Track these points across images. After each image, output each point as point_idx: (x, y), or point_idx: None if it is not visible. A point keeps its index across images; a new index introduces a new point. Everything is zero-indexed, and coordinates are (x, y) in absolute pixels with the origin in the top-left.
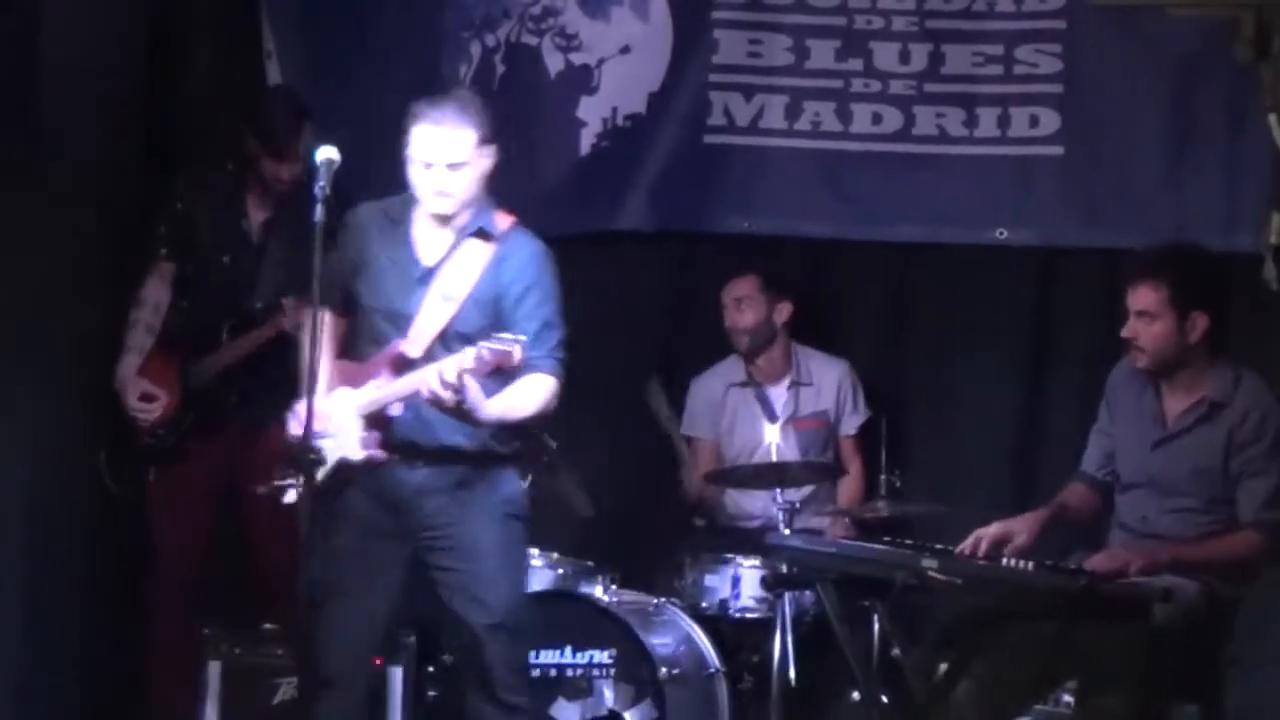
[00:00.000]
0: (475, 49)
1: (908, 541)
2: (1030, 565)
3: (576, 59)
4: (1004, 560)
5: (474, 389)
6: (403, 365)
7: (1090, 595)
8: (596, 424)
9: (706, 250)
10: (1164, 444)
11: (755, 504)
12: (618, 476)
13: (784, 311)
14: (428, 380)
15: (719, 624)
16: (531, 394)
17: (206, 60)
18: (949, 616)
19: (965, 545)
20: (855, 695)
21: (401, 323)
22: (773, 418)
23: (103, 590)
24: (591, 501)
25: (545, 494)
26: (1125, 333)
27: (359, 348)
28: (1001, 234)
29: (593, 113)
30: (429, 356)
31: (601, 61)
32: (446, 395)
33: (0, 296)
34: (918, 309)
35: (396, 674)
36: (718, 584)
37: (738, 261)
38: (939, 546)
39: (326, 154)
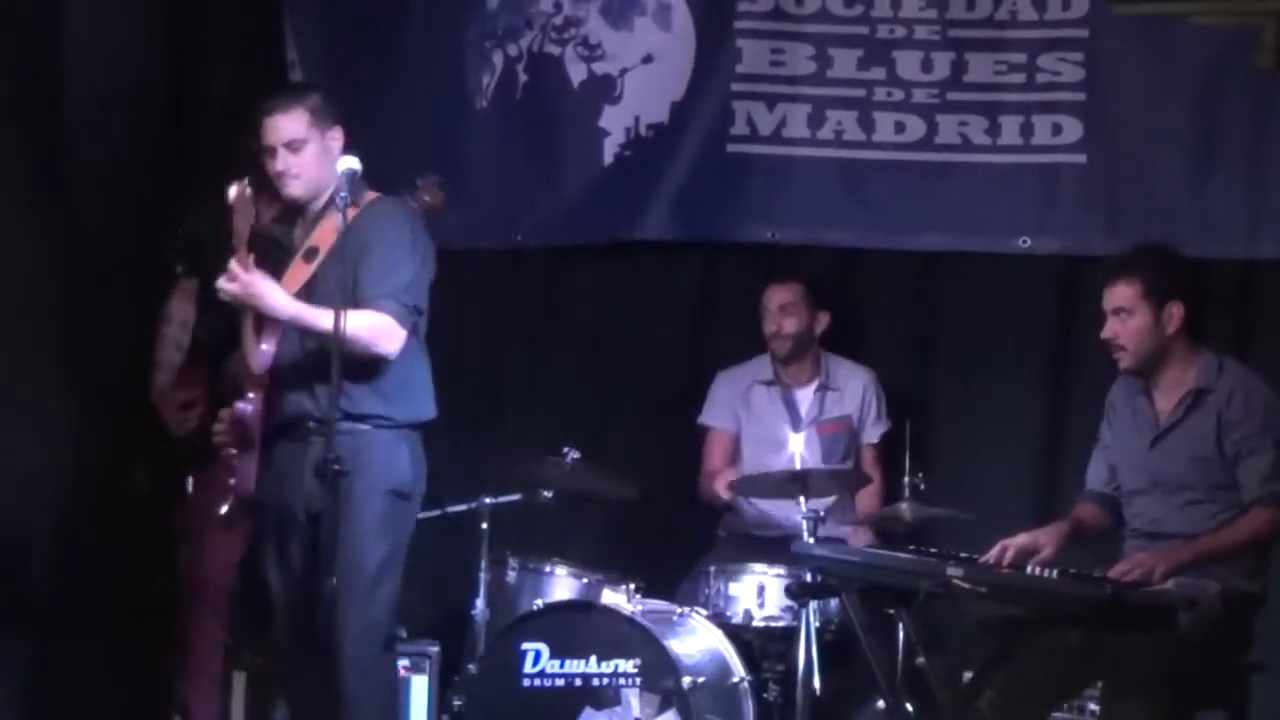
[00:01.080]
0: (498, 59)
1: (932, 550)
2: (1054, 574)
3: (599, 68)
4: (1028, 569)
5: (258, 278)
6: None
7: (1115, 604)
8: (620, 432)
9: (729, 258)
10: (1160, 440)
11: (777, 511)
12: (641, 483)
13: (823, 321)
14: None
15: (743, 633)
16: (343, 317)
17: (228, 70)
18: (973, 625)
19: (991, 555)
20: (880, 704)
21: None
22: (796, 424)
23: (134, 605)
24: (635, 483)
25: (581, 489)
26: (1104, 334)
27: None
28: (1025, 242)
29: (616, 122)
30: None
31: (624, 71)
32: (233, 287)
33: (22, 302)
34: (941, 317)
35: (421, 683)
36: (742, 593)
37: (765, 270)
38: (963, 555)
39: (348, 164)
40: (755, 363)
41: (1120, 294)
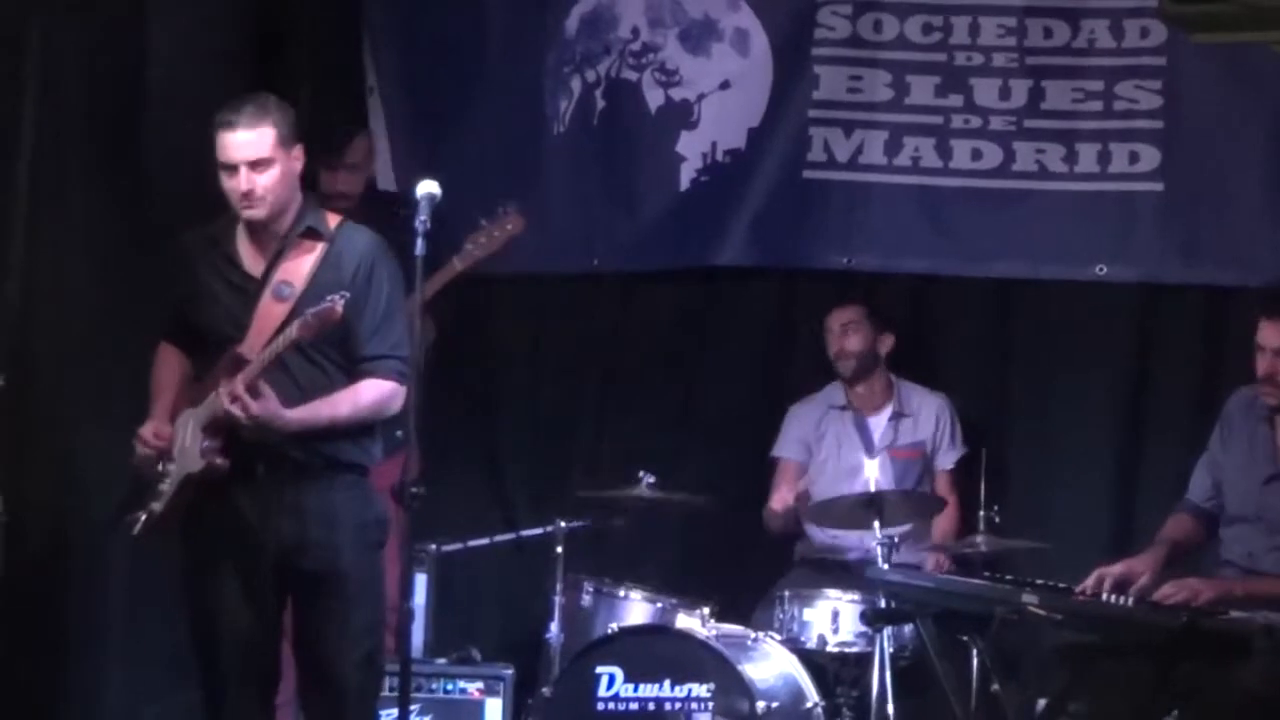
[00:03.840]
0: (576, 84)
1: (1007, 576)
2: (1130, 601)
3: (676, 94)
4: (1104, 596)
5: (267, 403)
6: (239, 367)
7: (1190, 632)
8: (696, 456)
9: (806, 285)
10: (1275, 480)
11: (851, 536)
12: (716, 508)
13: (887, 342)
14: (220, 398)
15: (817, 658)
16: (349, 399)
17: (309, 96)
18: (1048, 652)
19: (1088, 584)
20: None
21: (241, 333)
22: (870, 449)
23: None
24: (708, 507)
25: (655, 513)
26: (1266, 368)
27: (210, 372)
28: (1101, 270)
29: (693, 148)
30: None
31: (701, 97)
32: (236, 410)
33: (105, 325)
34: (1017, 344)
35: (495, 706)
36: (816, 618)
37: (837, 296)
38: (1039, 581)
39: (427, 188)
40: (827, 391)
41: None
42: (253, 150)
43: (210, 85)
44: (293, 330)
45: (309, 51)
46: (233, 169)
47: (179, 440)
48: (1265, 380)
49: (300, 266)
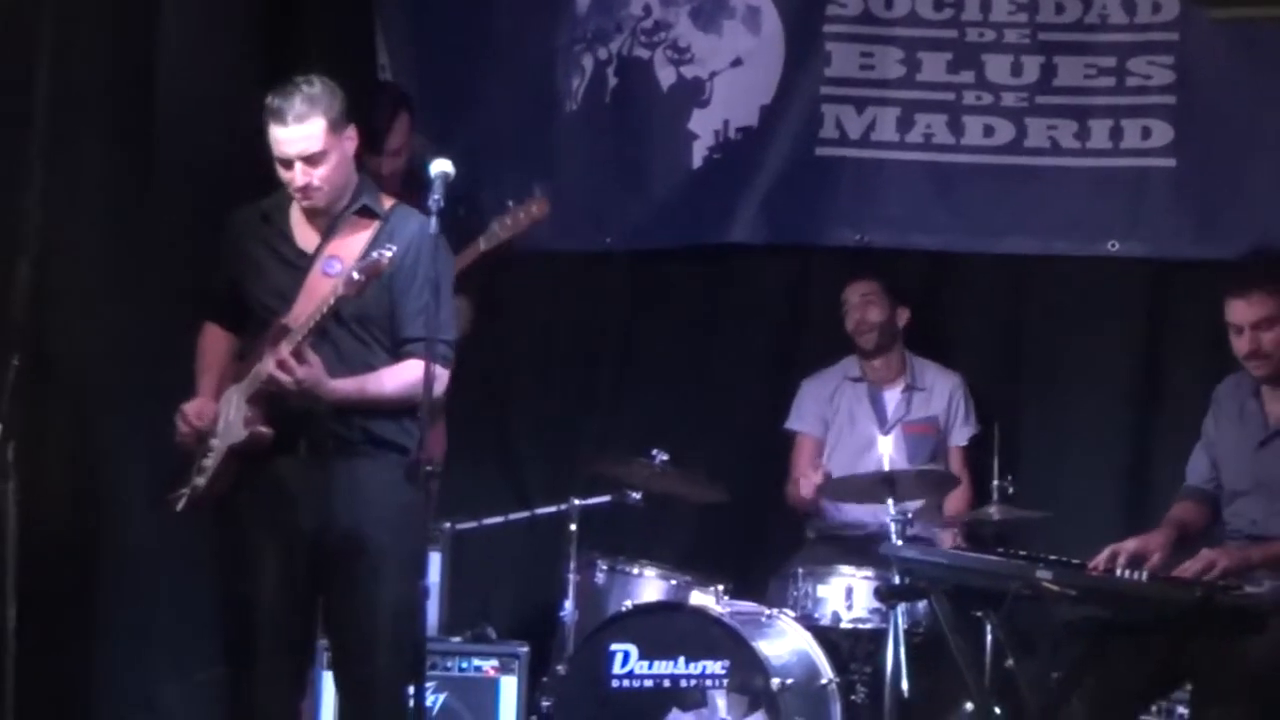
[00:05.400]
0: (588, 62)
1: (1021, 552)
2: (1144, 577)
3: (688, 72)
4: (1118, 571)
5: (314, 366)
6: (285, 337)
7: (1204, 607)
8: (709, 433)
9: (818, 262)
10: (1268, 444)
11: (864, 512)
12: (729, 485)
13: (903, 316)
14: (264, 366)
15: (831, 634)
16: (395, 376)
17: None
18: (1062, 627)
19: (1100, 560)
20: (969, 706)
21: (289, 307)
22: (883, 424)
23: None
24: (723, 486)
25: (669, 491)
26: (1246, 346)
27: (257, 349)
28: (1114, 246)
29: (705, 125)
30: (321, 332)
31: (713, 74)
32: (283, 377)
33: (122, 302)
34: (1029, 320)
35: (510, 684)
36: (830, 594)
37: (849, 273)
38: (1052, 557)
39: (441, 167)
40: (841, 364)
41: (1261, 305)
42: (305, 145)
43: (223, 64)
44: (339, 286)
45: (320, 32)
46: (287, 163)
47: (223, 416)
48: (1249, 356)
49: (352, 245)
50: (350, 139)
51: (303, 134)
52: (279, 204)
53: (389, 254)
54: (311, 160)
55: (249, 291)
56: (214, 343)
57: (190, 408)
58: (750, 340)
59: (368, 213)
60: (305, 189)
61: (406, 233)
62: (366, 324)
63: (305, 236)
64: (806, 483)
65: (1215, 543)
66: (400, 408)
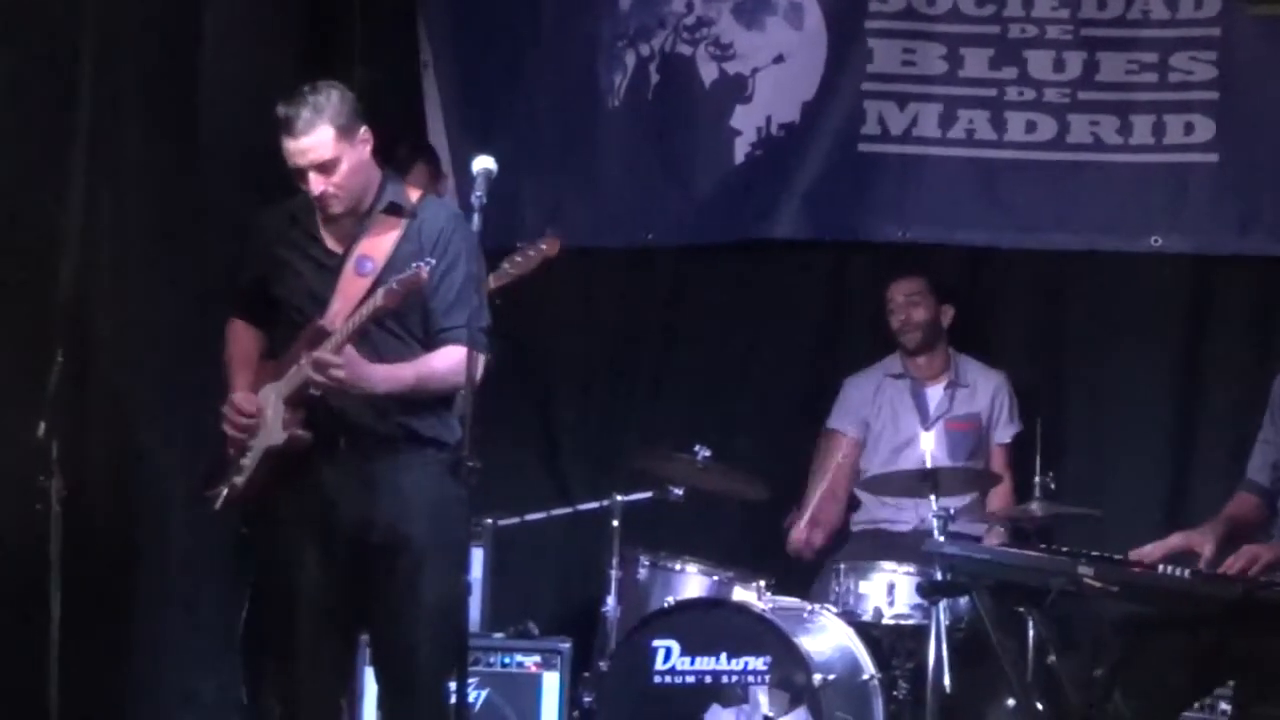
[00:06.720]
0: (630, 59)
1: (1064, 548)
2: (1187, 573)
3: (731, 68)
4: (1160, 568)
5: (354, 364)
6: (322, 339)
7: (1246, 603)
8: (751, 429)
9: (860, 258)
10: None
11: (907, 508)
12: (772, 480)
13: (948, 314)
14: (303, 369)
15: (873, 630)
16: (436, 364)
17: (363, 70)
18: (1105, 624)
19: (1144, 554)
20: (1011, 702)
21: (322, 309)
22: (925, 420)
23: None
24: (765, 482)
25: (711, 487)
26: None
27: (289, 348)
28: (1156, 242)
29: (747, 121)
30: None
31: (756, 70)
32: (322, 377)
33: (164, 299)
34: (1072, 316)
35: (552, 679)
36: (872, 590)
37: (891, 269)
38: (1095, 553)
39: (484, 164)
40: (883, 362)
41: None
42: (315, 155)
43: (264, 61)
44: (379, 298)
45: (363, 26)
46: (300, 173)
47: (262, 415)
48: None
49: (382, 243)
50: (364, 141)
51: (311, 143)
52: (306, 205)
53: (427, 269)
54: (324, 168)
55: (278, 294)
56: (242, 339)
57: (238, 398)
58: (791, 336)
59: (395, 209)
60: (322, 196)
61: (434, 224)
62: (404, 320)
63: (334, 237)
64: (800, 533)
65: (1271, 539)
66: (448, 392)
